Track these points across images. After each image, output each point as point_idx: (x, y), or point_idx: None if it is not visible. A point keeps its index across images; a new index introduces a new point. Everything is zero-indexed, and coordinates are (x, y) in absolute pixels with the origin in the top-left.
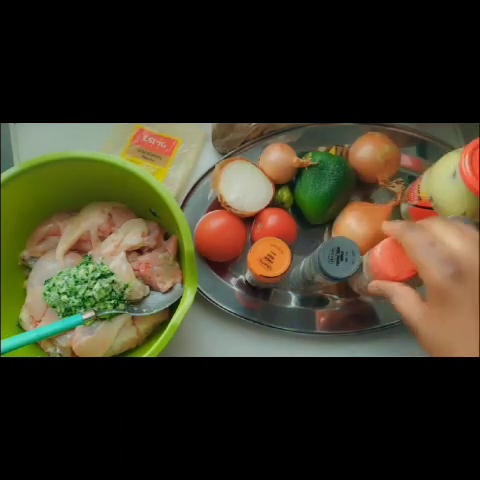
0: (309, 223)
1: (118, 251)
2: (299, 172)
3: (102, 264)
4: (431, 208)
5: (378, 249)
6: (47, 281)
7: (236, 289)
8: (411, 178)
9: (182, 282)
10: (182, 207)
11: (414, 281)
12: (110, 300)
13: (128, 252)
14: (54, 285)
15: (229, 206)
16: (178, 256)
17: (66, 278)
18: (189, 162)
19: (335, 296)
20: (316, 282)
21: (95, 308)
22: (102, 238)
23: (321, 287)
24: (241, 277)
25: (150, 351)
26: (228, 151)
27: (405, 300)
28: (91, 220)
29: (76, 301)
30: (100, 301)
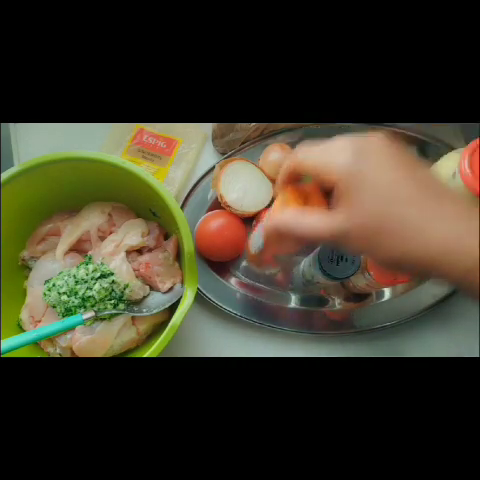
0: None
1: (118, 251)
2: None
3: (102, 264)
4: None
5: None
6: (47, 281)
7: (236, 289)
8: None
9: (182, 282)
10: (182, 207)
11: None
12: (110, 300)
13: (128, 252)
14: (54, 285)
15: (229, 206)
16: (178, 256)
17: (66, 278)
18: (189, 162)
19: (335, 296)
20: (316, 282)
21: (95, 308)
22: (102, 238)
23: (321, 287)
24: (241, 277)
25: (150, 351)
26: (228, 151)
27: (310, 219)
28: (91, 220)
29: (76, 301)
30: (100, 301)
